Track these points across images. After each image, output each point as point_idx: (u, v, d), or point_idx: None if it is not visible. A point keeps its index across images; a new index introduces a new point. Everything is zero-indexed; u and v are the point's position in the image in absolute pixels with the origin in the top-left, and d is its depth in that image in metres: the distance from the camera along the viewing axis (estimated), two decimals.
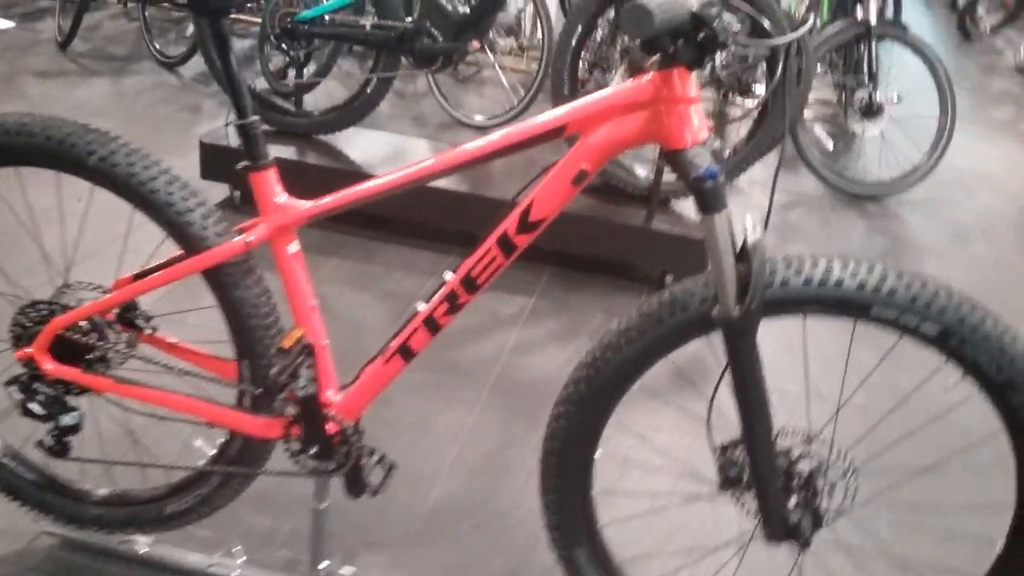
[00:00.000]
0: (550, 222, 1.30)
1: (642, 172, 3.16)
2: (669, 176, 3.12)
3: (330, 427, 1.47)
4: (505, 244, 1.31)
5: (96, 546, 1.75)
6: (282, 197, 1.38)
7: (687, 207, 3.19)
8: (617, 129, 1.21)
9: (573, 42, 3.01)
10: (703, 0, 0.97)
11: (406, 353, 1.42)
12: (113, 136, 1.41)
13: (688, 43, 0.94)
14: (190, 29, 4.57)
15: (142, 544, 1.74)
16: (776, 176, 1.34)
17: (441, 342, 2.69)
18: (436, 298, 1.38)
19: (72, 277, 1.58)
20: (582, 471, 1.44)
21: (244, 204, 3.36)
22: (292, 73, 3.37)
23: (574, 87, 3.10)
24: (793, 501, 1.36)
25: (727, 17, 0.98)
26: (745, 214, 1.32)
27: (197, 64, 4.73)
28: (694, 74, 1.18)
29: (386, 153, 3.48)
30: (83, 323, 1.51)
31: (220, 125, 3.47)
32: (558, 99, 3.09)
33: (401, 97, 4.93)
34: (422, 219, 3.21)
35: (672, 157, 1.19)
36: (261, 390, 1.36)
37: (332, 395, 1.49)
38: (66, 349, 1.52)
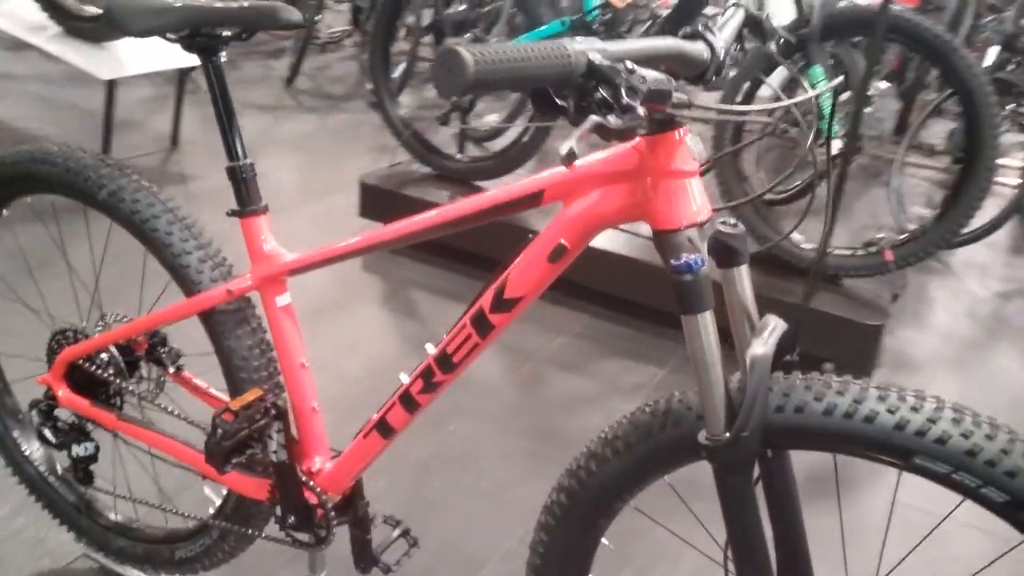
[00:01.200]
0: (530, 303, 1.11)
1: (809, 245, 2.82)
2: (841, 249, 2.78)
3: (310, 497, 1.34)
4: (480, 323, 1.13)
5: None
6: (269, 245, 1.29)
7: (862, 287, 2.81)
8: (598, 201, 1.01)
9: (744, 87, 2.76)
10: (623, 50, 0.75)
11: (385, 430, 1.27)
12: (127, 172, 1.38)
13: (583, 101, 0.73)
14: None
15: None
16: (814, 276, 1.07)
17: (546, 404, 2.54)
18: (415, 372, 1.22)
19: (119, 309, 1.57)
20: None
21: None
22: (457, 118, 3.34)
23: (738, 137, 2.85)
24: None
25: (646, 74, 0.75)
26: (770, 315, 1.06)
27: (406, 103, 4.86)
28: (689, 141, 0.96)
29: None
30: (104, 356, 1.50)
31: (388, 166, 3.52)
32: (718, 149, 2.83)
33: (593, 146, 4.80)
34: (566, 273, 3.04)
35: (658, 238, 0.97)
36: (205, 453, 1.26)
37: (319, 462, 1.36)
38: (84, 380, 1.51)
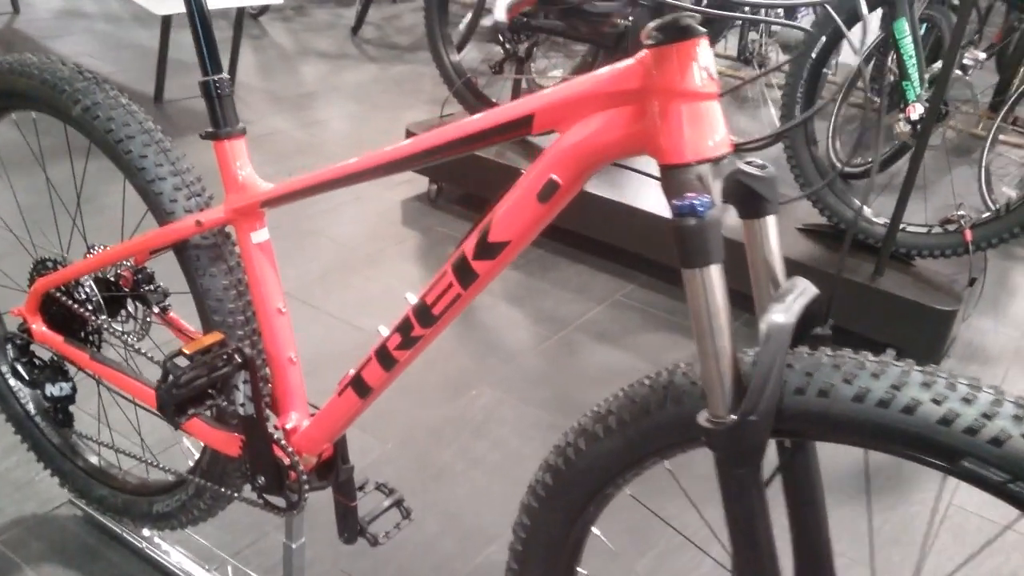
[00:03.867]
0: (518, 250, 0.95)
1: (881, 219, 2.59)
2: (915, 226, 2.53)
3: (281, 457, 1.22)
4: (463, 270, 0.97)
5: (108, 528, 1.64)
6: (244, 172, 1.16)
7: (937, 268, 2.56)
8: (595, 129, 0.84)
9: (813, 55, 2.53)
10: None
11: (361, 388, 1.12)
12: (106, 86, 1.26)
13: None
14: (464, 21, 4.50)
15: (141, 539, 1.61)
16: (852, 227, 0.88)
17: (576, 376, 2.37)
18: (393, 326, 1.07)
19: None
20: None
21: (441, 200, 3.21)
22: (511, 68, 3.17)
23: (809, 106, 2.61)
24: None
25: None
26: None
27: (470, 58, 4.69)
28: (708, 55, 0.79)
29: None
30: (84, 289, 1.39)
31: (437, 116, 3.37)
32: (787, 120, 2.61)
33: None
34: (615, 240, 2.87)
35: (664, 175, 0.80)
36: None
37: (295, 419, 1.23)
38: (59, 314, 1.41)
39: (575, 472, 0.97)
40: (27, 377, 1.43)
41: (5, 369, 1.62)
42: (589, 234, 2.91)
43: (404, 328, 1.06)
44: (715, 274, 0.78)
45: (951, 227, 2.48)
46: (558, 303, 2.63)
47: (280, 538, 1.66)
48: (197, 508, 1.42)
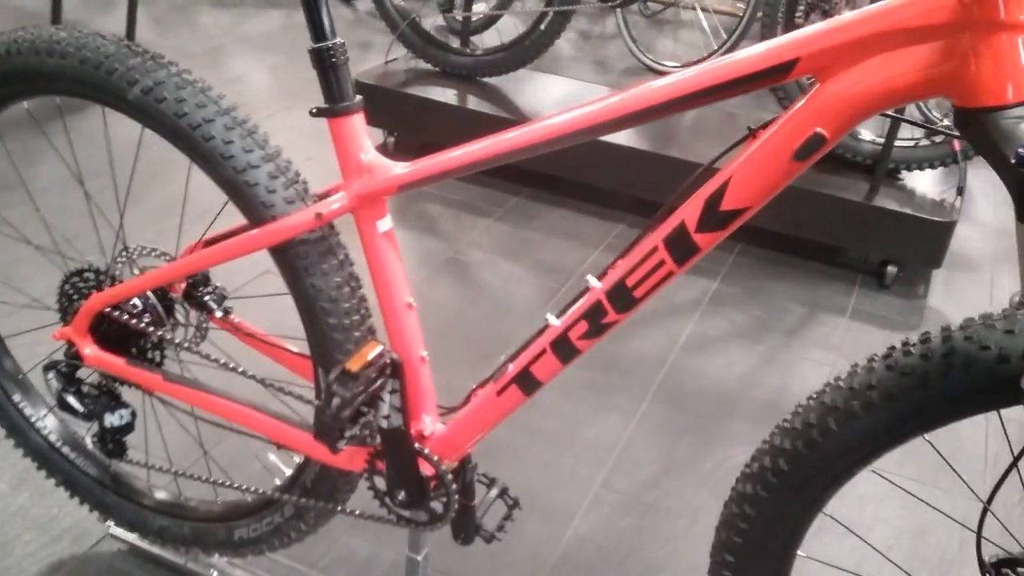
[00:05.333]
0: (750, 215, 0.84)
1: (867, 135, 2.58)
2: (902, 140, 2.53)
3: (423, 467, 1.08)
4: (680, 244, 0.86)
5: (165, 560, 1.46)
6: (369, 155, 0.99)
7: (922, 180, 2.58)
8: (882, 71, 0.73)
9: None
10: None
11: (527, 383, 1.00)
12: (165, 62, 1.05)
13: None
14: None
15: (214, 567, 1.44)
16: None
17: None
18: (574, 312, 0.95)
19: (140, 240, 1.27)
20: None
21: (399, 151, 3.03)
22: (460, 3, 2.99)
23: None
24: None
25: None
26: None
27: None
28: None
29: (557, 100, 3.05)
30: (136, 301, 1.20)
31: (383, 63, 3.15)
32: None
33: (586, 39, 4.46)
34: (592, 180, 2.77)
35: (974, 120, 0.70)
36: (315, 429, 0.98)
37: (429, 424, 1.10)
38: (114, 332, 1.21)
39: (822, 454, 0.88)
40: (81, 409, 1.23)
41: (19, 399, 1.41)
42: (563, 175, 2.80)
43: (593, 314, 0.94)
44: None
45: (937, 139, 2.49)
46: (555, 252, 2.52)
47: (351, 541, 1.55)
48: (296, 529, 1.27)
